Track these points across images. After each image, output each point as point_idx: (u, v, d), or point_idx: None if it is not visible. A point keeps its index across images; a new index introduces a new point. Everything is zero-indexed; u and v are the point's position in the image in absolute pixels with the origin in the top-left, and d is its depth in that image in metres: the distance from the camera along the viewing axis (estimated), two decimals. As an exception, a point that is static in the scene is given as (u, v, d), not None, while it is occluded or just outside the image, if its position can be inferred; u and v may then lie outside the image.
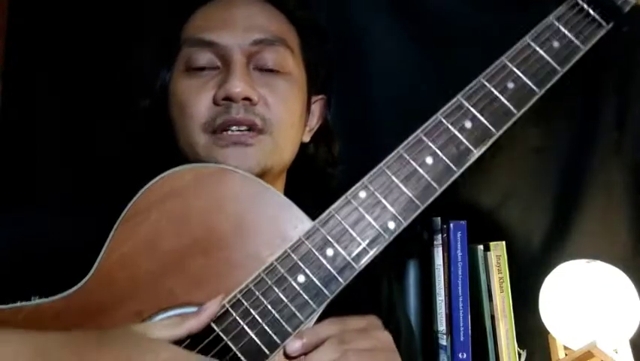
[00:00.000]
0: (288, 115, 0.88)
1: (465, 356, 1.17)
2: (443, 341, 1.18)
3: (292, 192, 0.93)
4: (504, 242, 1.21)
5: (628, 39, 1.29)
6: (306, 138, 0.96)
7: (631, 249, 1.28)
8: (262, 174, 0.83)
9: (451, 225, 1.20)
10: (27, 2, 1.30)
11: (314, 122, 0.98)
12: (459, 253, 1.19)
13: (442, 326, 1.18)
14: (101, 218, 0.72)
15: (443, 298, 1.19)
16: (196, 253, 0.69)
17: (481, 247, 1.21)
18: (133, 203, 0.70)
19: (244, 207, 0.71)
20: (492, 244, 1.21)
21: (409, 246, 1.27)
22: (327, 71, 1.00)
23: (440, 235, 1.20)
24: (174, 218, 0.70)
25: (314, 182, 0.98)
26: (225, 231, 0.70)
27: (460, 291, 1.18)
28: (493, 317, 1.19)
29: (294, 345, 0.67)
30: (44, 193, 1.26)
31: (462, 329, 1.17)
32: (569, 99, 1.32)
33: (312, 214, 0.72)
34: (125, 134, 0.96)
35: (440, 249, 1.20)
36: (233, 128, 0.83)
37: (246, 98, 0.84)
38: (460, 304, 1.18)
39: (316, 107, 0.99)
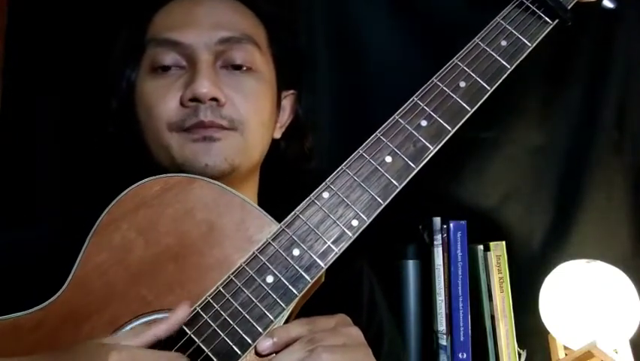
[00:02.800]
0: (256, 114, 0.87)
1: (465, 356, 1.17)
2: (443, 341, 1.18)
3: (266, 190, 0.95)
4: (504, 242, 1.21)
5: (629, 39, 1.30)
6: (277, 134, 0.95)
7: (631, 249, 1.29)
8: (231, 172, 0.83)
9: (451, 225, 1.20)
10: (27, 2, 1.30)
11: (285, 117, 0.97)
12: (459, 253, 1.19)
13: (442, 326, 1.18)
14: (76, 228, 0.74)
15: (443, 298, 1.19)
16: (167, 260, 0.71)
17: (481, 247, 1.21)
18: (105, 214, 0.73)
19: (212, 214, 0.73)
20: (492, 244, 1.21)
21: (409, 246, 1.27)
22: (298, 65, 1.00)
23: (440, 235, 1.20)
24: (145, 227, 0.72)
25: (287, 179, 0.97)
26: (194, 237, 0.72)
27: (460, 291, 1.18)
28: (493, 317, 1.19)
29: (264, 344, 0.67)
30: (44, 194, 1.26)
31: (462, 329, 1.17)
32: (569, 99, 1.32)
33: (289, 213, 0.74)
34: (100, 136, 0.96)
35: (440, 249, 1.20)
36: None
37: (213, 99, 0.83)
38: (460, 304, 1.18)
39: (287, 103, 0.98)
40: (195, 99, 0.83)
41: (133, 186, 0.74)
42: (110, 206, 0.73)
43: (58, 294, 0.70)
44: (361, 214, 0.73)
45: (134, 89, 0.89)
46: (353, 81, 1.33)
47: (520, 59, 0.82)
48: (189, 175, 0.76)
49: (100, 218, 0.72)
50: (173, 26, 0.88)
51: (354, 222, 0.73)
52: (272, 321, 0.69)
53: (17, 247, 0.85)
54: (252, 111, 0.86)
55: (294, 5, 1.29)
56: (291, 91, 0.98)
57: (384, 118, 0.79)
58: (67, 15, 1.28)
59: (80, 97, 1.25)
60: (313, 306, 0.73)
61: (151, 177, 0.74)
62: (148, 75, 0.87)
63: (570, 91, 1.32)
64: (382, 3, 1.33)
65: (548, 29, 0.84)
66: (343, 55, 1.32)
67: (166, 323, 0.66)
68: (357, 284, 0.95)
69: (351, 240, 0.72)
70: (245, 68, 0.88)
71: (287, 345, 0.67)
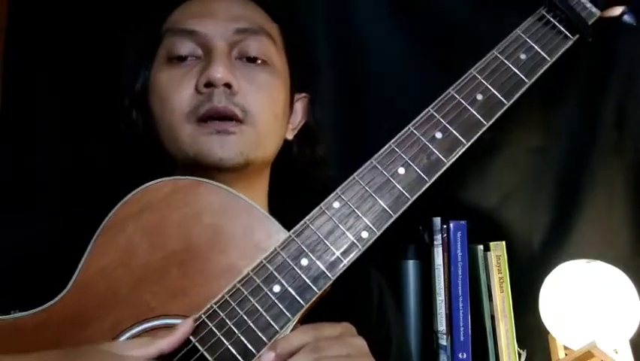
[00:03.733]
0: (269, 107, 0.87)
1: (465, 356, 1.17)
2: (443, 341, 1.18)
3: (277, 192, 0.95)
4: (504, 242, 1.21)
5: (629, 39, 1.30)
6: (289, 136, 0.96)
7: (631, 249, 1.28)
8: (245, 165, 0.84)
9: (451, 225, 1.20)
10: (27, 2, 1.30)
11: (297, 120, 0.98)
12: (459, 253, 1.19)
13: (442, 326, 1.18)
14: (81, 229, 0.73)
15: (443, 298, 1.19)
16: (172, 265, 0.70)
17: (481, 247, 1.21)
18: (111, 215, 0.72)
19: (219, 219, 0.72)
20: (492, 244, 1.21)
21: (409, 246, 1.27)
22: (309, 70, 1.01)
23: (440, 235, 1.20)
24: (151, 230, 0.71)
25: (297, 182, 0.98)
26: (201, 242, 0.71)
27: (460, 291, 1.18)
28: (493, 317, 1.19)
29: (268, 357, 0.66)
30: (43, 194, 1.26)
31: (462, 329, 1.17)
32: (569, 99, 1.32)
33: (298, 218, 0.73)
34: (112, 135, 0.97)
35: (440, 249, 1.20)
36: (216, 117, 0.84)
37: (227, 85, 0.83)
38: (460, 304, 1.18)
39: (299, 106, 0.98)
40: (209, 84, 0.83)
41: (140, 187, 0.73)
42: (116, 207, 0.72)
43: (61, 295, 0.69)
44: (372, 226, 0.72)
45: (148, 84, 0.89)
46: (351, 81, 1.32)
47: (539, 74, 0.81)
48: (197, 178, 0.74)
49: (106, 219, 0.71)
50: (191, 17, 0.89)
51: (364, 234, 0.72)
52: (277, 331, 0.68)
53: (19, 246, 0.85)
54: (266, 103, 0.87)
55: (295, 5, 1.29)
56: (303, 94, 0.99)
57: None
58: (67, 15, 1.28)
59: (80, 97, 1.25)
60: (322, 309, 0.72)
61: (158, 179, 0.73)
62: (164, 65, 0.88)
63: (570, 91, 1.32)
64: (383, 3, 1.33)
65: (569, 44, 0.83)
66: (343, 55, 1.32)
67: (170, 338, 0.65)
68: (367, 286, 0.95)
69: (361, 252, 0.72)
70: (260, 62, 0.88)
71: (291, 355, 0.66)
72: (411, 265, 1.24)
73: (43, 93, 1.28)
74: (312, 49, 1.22)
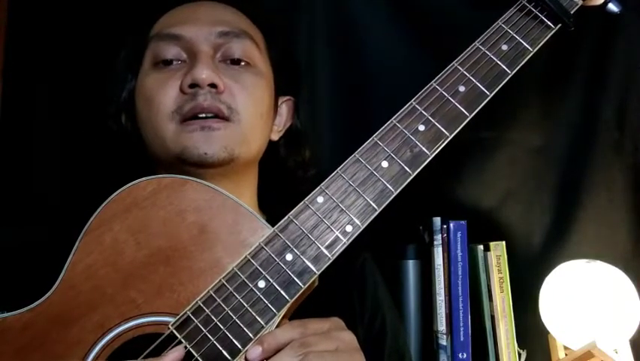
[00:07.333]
0: (255, 105, 0.89)
1: (465, 356, 1.17)
2: (443, 341, 1.18)
3: (266, 193, 0.96)
4: (504, 242, 1.21)
5: (629, 39, 1.30)
6: (275, 137, 0.97)
7: (631, 249, 1.28)
8: (229, 161, 0.85)
9: (451, 225, 1.20)
10: (27, 2, 1.30)
11: (282, 122, 1.00)
12: (459, 253, 1.19)
13: (442, 326, 1.18)
14: (69, 229, 0.73)
15: (443, 298, 1.19)
16: (158, 263, 0.70)
17: (481, 247, 1.21)
18: (96, 214, 0.72)
19: (204, 216, 0.72)
20: (492, 244, 1.21)
21: (409, 246, 1.27)
22: (294, 73, 1.02)
23: (440, 235, 1.20)
24: (136, 228, 0.71)
25: (286, 184, 0.99)
26: (186, 240, 0.71)
27: (460, 291, 1.18)
28: (493, 317, 1.19)
29: (254, 352, 0.66)
30: (42, 195, 1.26)
31: (462, 329, 1.17)
32: (569, 99, 1.32)
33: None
34: (101, 134, 0.98)
35: (440, 249, 1.20)
36: (201, 115, 0.85)
37: (212, 85, 0.85)
38: (460, 304, 1.18)
39: (284, 108, 1.00)
40: (194, 84, 0.84)
41: (125, 186, 0.73)
42: (101, 207, 0.72)
43: (47, 295, 0.70)
44: (356, 220, 0.72)
45: (135, 90, 0.91)
46: (350, 81, 1.33)
47: (522, 64, 0.81)
48: (182, 176, 0.74)
49: (91, 219, 0.72)
50: (176, 23, 0.91)
51: (349, 228, 0.72)
52: (263, 327, 0.68)
53: (11, 247, 0.86)
54: (250, 102, 0.88)
55: (296, 5, 1.29)
56: (288, 97, 1.01)
57: (385, 119, 0.78)
58: (68, 13, 1.28)
59: (80, 95, 1.25)
60: (316, 299, 0.72)
61: (143, 178, 0.73)
62: (150, 70, 0.90)
63: (570, 91, 1.32)
64: (382, 3, 1.33)
65: (551, 34, 0.83)
66: (342, 54, 1.32)
67: None
68: (361, 278, 0.96)
69: (345, 245, 0.72)
70: (243, 63, 0.90)
71: (277, 351, 0.66)
72: (411, 265, 1.25)
73: (44, 93, 1.28)
74: (301, 51, 1.23)
